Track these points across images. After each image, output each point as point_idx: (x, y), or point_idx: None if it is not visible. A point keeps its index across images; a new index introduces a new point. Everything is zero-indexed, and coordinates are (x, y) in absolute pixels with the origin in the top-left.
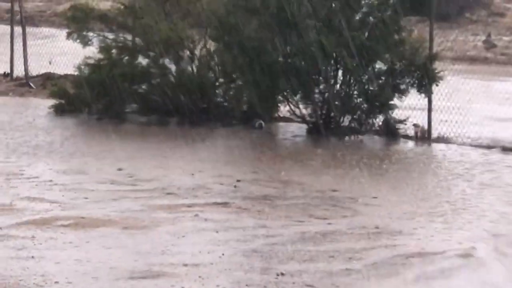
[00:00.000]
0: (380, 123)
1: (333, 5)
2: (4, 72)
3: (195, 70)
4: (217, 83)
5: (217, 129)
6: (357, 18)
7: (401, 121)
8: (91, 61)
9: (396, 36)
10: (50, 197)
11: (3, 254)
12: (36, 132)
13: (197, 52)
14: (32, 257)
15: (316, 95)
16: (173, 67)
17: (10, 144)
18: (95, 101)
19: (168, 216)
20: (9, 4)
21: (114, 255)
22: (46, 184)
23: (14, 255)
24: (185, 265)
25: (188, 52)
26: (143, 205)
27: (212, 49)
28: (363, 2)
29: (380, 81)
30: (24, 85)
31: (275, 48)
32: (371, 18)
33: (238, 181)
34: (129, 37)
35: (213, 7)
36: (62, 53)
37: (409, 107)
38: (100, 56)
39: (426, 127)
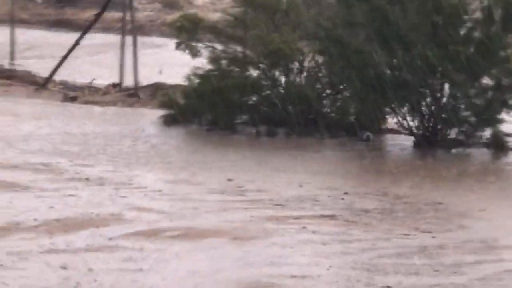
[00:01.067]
0: (488, 136)
1: (437, 19)
2: (114, 83)
3: (303, 81)
4: (323, 94)
5: (324, 140)
6: (462, 33)
7: (509, 135)
8: (201, 72)
9: (502, 53)
10: (158, 207)
11: (112, 266)
12: (145, 142)
13: (305, 64)
14: (141, 269)
15: (423, 108)
16: (282, 79)
17: (119, 154)
18: (205, 111)
19: (276, 227)
20: (121, 14)
21: (222, 266)
22: (155, 194)
23: (123, 267)
24: (293, 276)
25: (297, 64)
26: (252, 216)
27: (319, 61)
28: (466, 17)
29: (487, 96)
30: (133, 95)
31: (381, 60)
32: (476, 33)
33: (345, 193)
34: (238, 48)
35: (319, 19)
36: (171, 63)
37: None
38: (210, 67)
39: None
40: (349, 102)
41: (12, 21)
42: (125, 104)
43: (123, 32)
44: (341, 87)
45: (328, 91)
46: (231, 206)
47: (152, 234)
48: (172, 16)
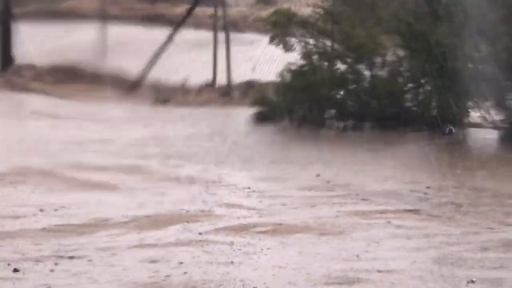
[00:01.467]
0: None
1: None
2: (206, 82)
3: (385, 75)
4: (405, 88)
5: (407, 134)
6: None
7: None
8: (293, 67)
9: None
10: (248, 203)
11: (203, 259)
12: (236, 141)
13: (387, 58)
14: (231, 262)
15: (509, 101)
16: (366, 73)
17: (210, 152)
18: (296, 108)
19: (362, 222)
20: (212, 9)
21: (310, 261)
22: (244, 191)
23: (214, 260)
24: (379, 271)
25: (380, 58)
26: (339, 211)
27: (401, 55)
28: None
29: None
30: (226, 94)
31: (464, 54)
32: None
33: (428, 187)
34: (327, 42)
35: (401, 14)
36: (264, 60)
37: None
38: (302, 62)
39: None
40: (431, 96)
41: (103, 16)
42: (218, 104)
43: (215, 28)
44: (423, 81)
45: (410, 85)
46: (318, 202)
47: (242, 229)
48: (266, 12)
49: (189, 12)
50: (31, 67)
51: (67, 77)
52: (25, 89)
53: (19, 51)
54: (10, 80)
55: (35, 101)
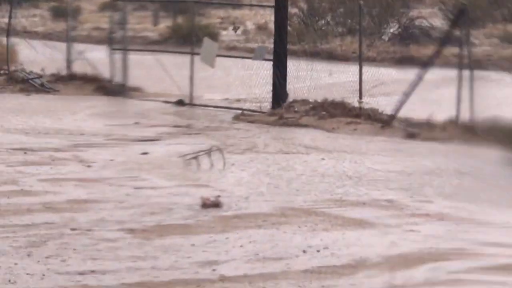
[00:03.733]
0: None
1: None
2: (451, 118)
3: None
4: None
5: None
6: None
7: None
8: None
9: None
10: (502, 241)
11: None
12: (482, 179)
13: None
14: None
15: None
16: None
17: (458, 190)
18: None
19: None
20: (457, 49)
21: None
22: (497, 229)
23: None
24: None
25: None
26: None
27: None
28: None
29: None
30: (471, 130)
31: None
32: None
33: None
34: None
35: None
36: (509, 98)
37: None
38: None
39: None
40: None
41: (360, 59)
42: (463, 140)
43: (460, 67)
44: None
45: None
46: None
47: (500, 268)
48: (510, 51)
49: (437, 53)
50: (304, 102)
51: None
52: (297, 124)
53: (291, 87)
54: (282, 115)
55: (308, 135)
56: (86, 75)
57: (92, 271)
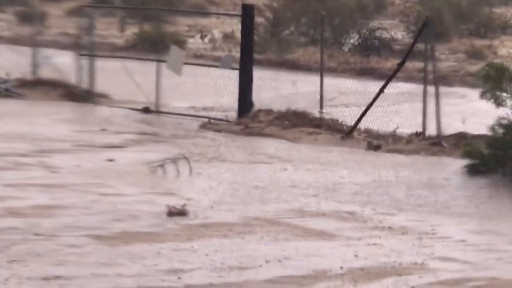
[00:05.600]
0: None
1: None
2: (416, 131)
3: None
4: None
5: None
6: None
7: None
8: (505, 122)
9: None
10: (462, 257)
11: None
12: (447, 192)
13: None
14: None
15: None
16: None
17: (422, 203)
18: (509, 162)
19: None
20: (422, 64)
21: None
22: (458, 244)
23: None
24: None
25: None
26: None
27: None
28: None
29: None
30: (436, 144)
31: None
32: None
33: None
34: None
35: None
36: (473, 113)
37: None
38: None
39: None
40: None
41: (321, 69)
42: (428, 153)
43: (425, 82)
44: None
45: None
46: None
47: (456, 284)
48: (476, 67)
49: (400, 66)
50: (269, 112)
51: (297, 122)
52: (262, 133)
53: (256, 96)
54: (247, 125)
55: (272, 145)
56: (52, 80)
57: (56, 277)
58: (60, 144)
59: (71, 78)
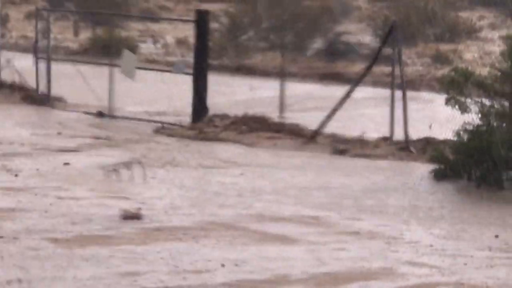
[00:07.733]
0: None
1: None
2: (384, 136)
3: None
4: None
5: None
6: None
7: None
8: (470, 128)
9: None
10: (430, 262)
11: None
12: (415, 197)
13: None
14: None
15: None
16: None
17: (389, 208)
18: (474, 167)
19: None
20: (389, 68)
21: None
22: (426, 248)
23: None
24: None
25: None
26: None
27: None
28: None
29: None
30: (404, 149)
31: None
32: None
33: None
34: (506, 103)
35: None
36: (441, 118)
37: None
38: (479, 122)
39: None
40: None
41: (282, 74)
42: (396, 158)
43: (392, 86)
44: None
45: None
46: (497, 263)
47: None
48: (442, 71)
49: (366, 71)
50: (224, 117)
51: (254, 127)
52: (217, 138)
53: (211, 101)
54: (202, 129)
55: (227, 150)
56: (14, 83)
57: (19, 280)
58: (20, 148)
59: (31, 81)
